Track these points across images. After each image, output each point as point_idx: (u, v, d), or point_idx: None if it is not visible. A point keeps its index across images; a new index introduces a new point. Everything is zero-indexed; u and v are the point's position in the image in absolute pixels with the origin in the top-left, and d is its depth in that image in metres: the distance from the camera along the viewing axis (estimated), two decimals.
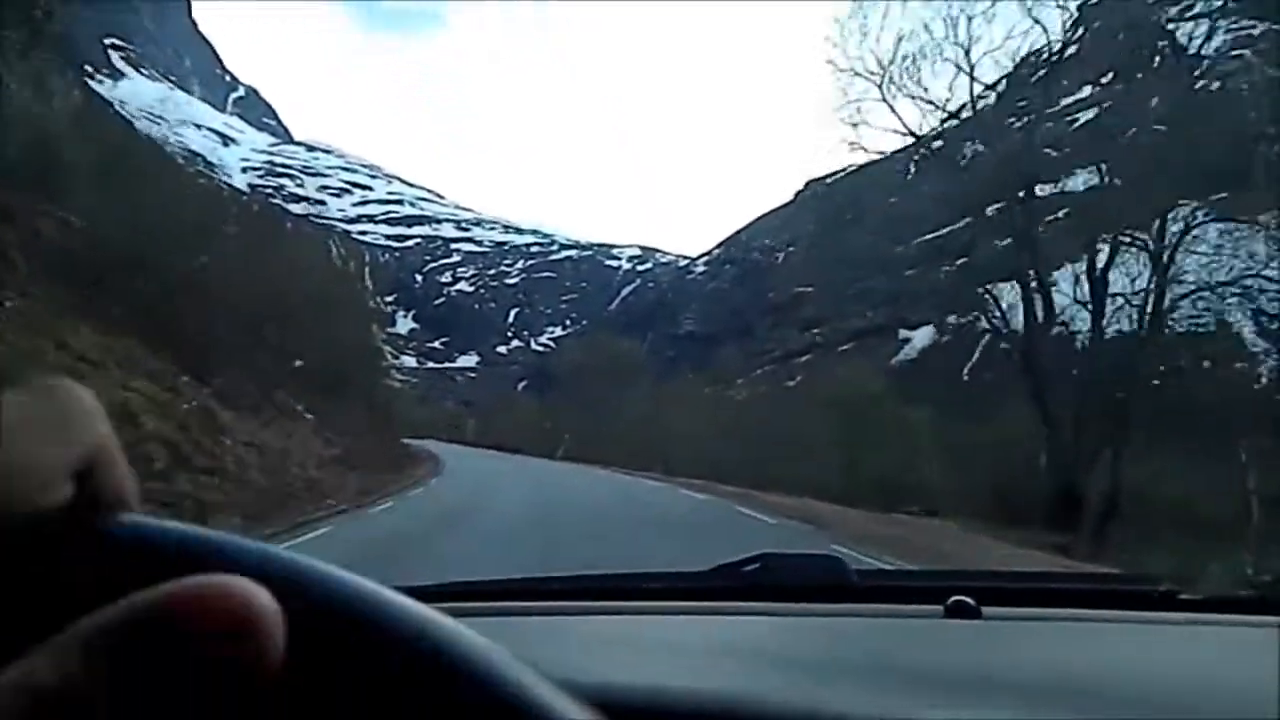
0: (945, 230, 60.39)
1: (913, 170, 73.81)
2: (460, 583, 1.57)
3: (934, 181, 65.47)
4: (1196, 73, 24.85)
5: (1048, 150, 56.01)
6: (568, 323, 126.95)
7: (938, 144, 68.32)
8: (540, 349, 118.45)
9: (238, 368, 18.95)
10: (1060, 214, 49.63)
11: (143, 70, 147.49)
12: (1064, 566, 10.08)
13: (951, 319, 51.13)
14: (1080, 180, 47.96)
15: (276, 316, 23.08)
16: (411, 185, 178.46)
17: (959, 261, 55.71)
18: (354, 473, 19.60)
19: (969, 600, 1.36)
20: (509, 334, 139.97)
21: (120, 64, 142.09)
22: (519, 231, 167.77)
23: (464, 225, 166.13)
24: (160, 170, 23.42)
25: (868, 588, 1.57)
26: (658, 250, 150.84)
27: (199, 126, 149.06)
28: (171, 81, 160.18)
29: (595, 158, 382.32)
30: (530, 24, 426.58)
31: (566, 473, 32.73)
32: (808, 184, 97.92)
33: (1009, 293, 24.86)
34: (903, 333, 52.73)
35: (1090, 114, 46.51)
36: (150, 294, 17.17)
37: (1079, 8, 27.00)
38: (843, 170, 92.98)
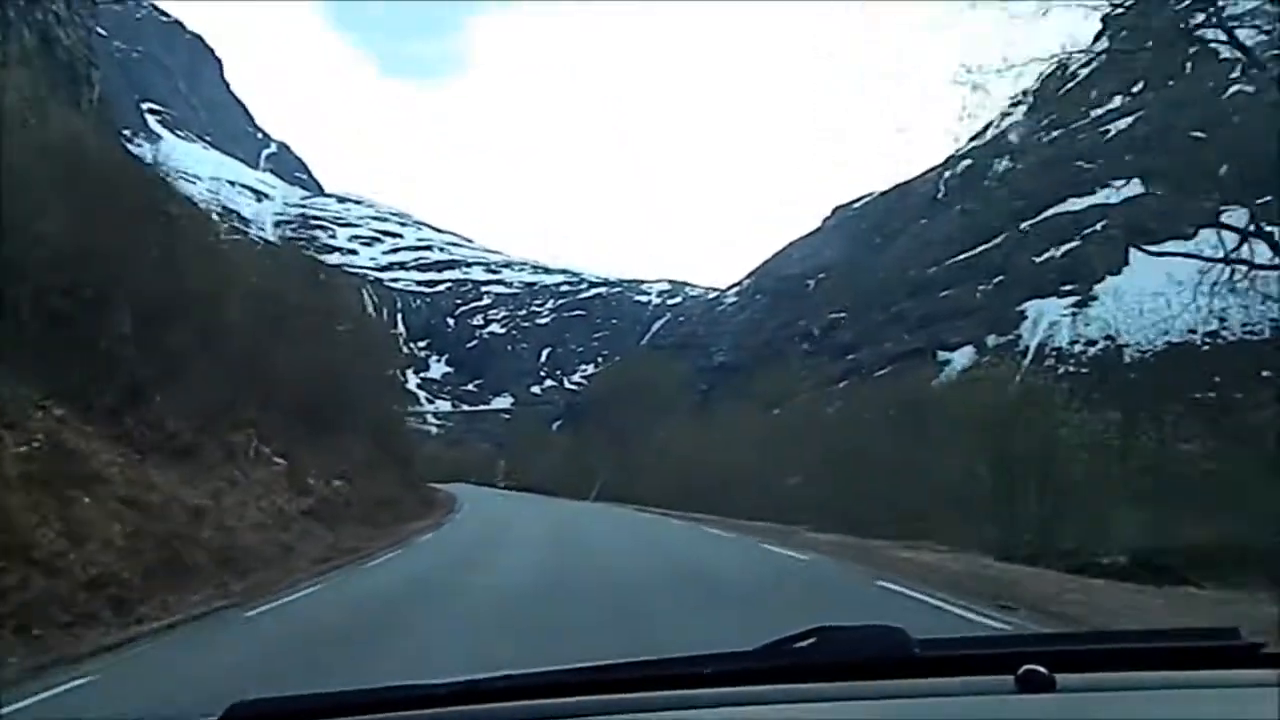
0: (978, 249, 59.70)
1: (942, 190, 73.15)
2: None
3: (965, 200, 64.72)
4: (1232, 75, 24.25)
5: (1080, 163, 55.26)
6: (600, 360, 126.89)
7: (966, 163, 67.55)
8: (574, 387, 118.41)
9: (174, 401, 14.80)
10: (1098, 225, 48.67)
11: (178, 132, 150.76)
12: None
13: (991, 338, 50.34)
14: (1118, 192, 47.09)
15: (243, 339, 19.30)
16: (440, 231, 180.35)
17: (995, 280, 55.05)
18: (331, 531, 16.47)
19: (1041, 669, 1.30)
20: (542, 374, 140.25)
21: (156, 126, 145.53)
22: (548, 271, 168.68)
23: (493, 268, 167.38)
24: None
25: (932, 659, 1.48)
26: (687, 283, 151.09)
27: (233, 184, 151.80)
28: (206, 141, 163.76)
29: (621, 194, 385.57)
30: (549, 64, 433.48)
31: (599, 519, 27.65)
32: (835, 210, 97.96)
33: None
34: (941, 354, 51.89)
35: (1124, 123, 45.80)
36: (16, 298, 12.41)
37: (1103, 18, 26.21)
38: (869, 195, 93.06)
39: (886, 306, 59.46)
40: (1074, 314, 47.83)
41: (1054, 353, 47.34)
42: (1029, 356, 47.99)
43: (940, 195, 70.89)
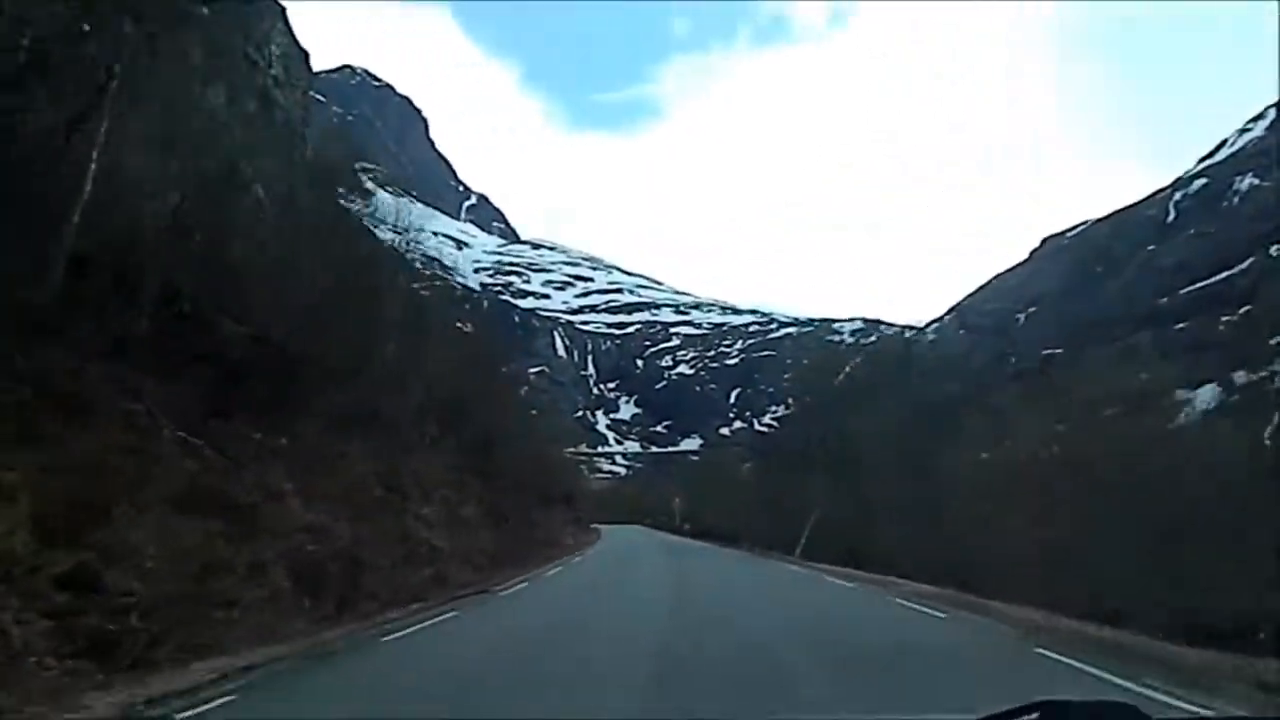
0: (1219, 277, 53.57)
1: (1172, 214, 66.85)
2: None
3: (1200, 223, 58.59)
4: None
5: None
6: (790, 401, 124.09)
7: (1201, 182, 61.70)
8: (764, 429, 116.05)
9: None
10: None
11: (387, 188, 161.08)
12: None
13: (1240, 374, 44.63)
14: None
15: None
16: (630, 274, 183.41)
17: (1241, 310, 49.06)
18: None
19: None
20: (731, 415, 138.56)
21: (368, 184, 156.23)
22: (737, 312, 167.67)
23: (682, 309, 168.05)
24: None
25: None
26: (881, 321, 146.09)
27: (436, 234, 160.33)
28: (412, 196, 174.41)
29: (812, 232, 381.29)
30: (738, 106, 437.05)
31: (811, 606, 15.31)
32: (1044, 240, 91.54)
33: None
34: (1179, 393, 46.42)
35: None
36: None
37: None
38: (1084, 223, 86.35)
39: (1111, 340, 54.23)
40: None
41: None
42: None
43: (1170, 219, 64.63)
